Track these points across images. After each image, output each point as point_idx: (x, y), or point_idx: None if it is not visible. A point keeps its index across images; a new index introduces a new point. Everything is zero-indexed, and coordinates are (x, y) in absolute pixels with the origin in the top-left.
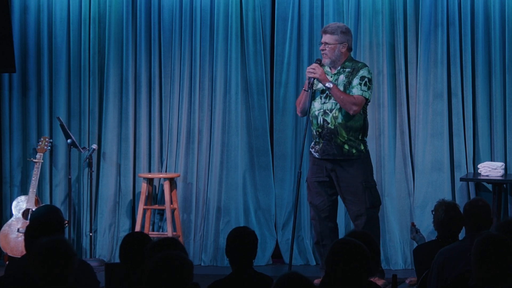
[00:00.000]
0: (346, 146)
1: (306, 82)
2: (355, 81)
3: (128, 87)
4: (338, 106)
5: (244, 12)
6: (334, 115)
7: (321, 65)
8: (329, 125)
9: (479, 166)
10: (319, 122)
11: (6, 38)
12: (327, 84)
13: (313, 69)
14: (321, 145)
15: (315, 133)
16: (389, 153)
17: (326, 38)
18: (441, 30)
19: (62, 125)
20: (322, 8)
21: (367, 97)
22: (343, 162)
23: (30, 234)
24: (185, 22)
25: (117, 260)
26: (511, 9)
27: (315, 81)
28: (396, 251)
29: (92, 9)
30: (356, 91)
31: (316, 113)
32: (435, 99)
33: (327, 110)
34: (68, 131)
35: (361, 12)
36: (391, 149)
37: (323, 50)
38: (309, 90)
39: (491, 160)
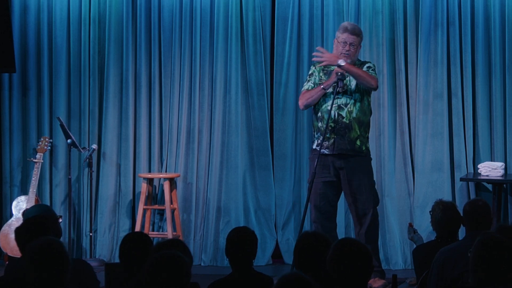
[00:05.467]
0: (358, 142)
1: (330, 82)
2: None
3: (128, 87)
4: (352, 100)
5: (244, 12)
6: (349, 109)
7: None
8: (344, 120)
9: (479, 166)
10: (333, 117)
11: (6, 38)
12: (339, 62)
13: (321, 53)
14: (332, 140)
15: (325, 129)
16: (389, 153)
17: (354, 39)
18: (441, 30)
19: (62, 125)
20: (322, 8)
21: (377, 78)
22: (352, 159)
23: (20, 236)
24: (185, 22)
25: (117, 260)
26: (511, 9)
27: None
28: (396, 251)
29: (92, 9)
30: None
31: (329, 107)
32: (435, 99)
33: (342, 104)
34: (68, 131)
35: (361, 12)
36: (391, 149)
37: (348, 51)
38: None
39: (491, 160)
